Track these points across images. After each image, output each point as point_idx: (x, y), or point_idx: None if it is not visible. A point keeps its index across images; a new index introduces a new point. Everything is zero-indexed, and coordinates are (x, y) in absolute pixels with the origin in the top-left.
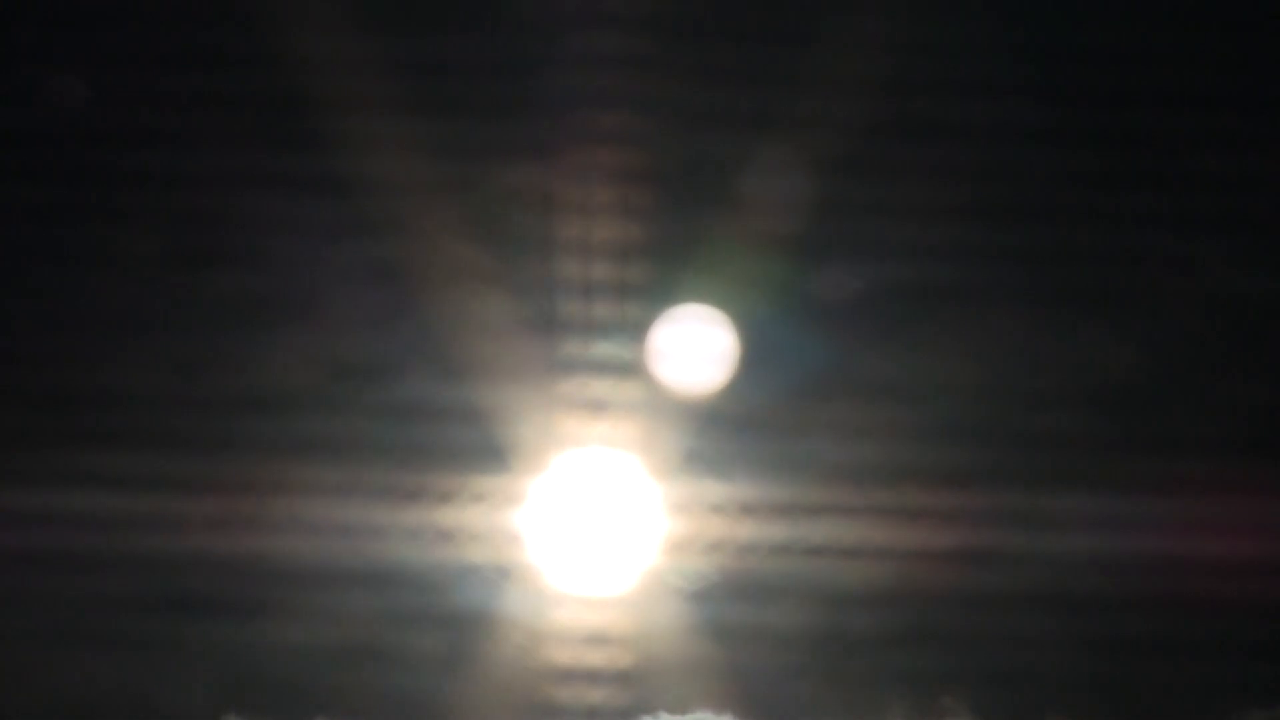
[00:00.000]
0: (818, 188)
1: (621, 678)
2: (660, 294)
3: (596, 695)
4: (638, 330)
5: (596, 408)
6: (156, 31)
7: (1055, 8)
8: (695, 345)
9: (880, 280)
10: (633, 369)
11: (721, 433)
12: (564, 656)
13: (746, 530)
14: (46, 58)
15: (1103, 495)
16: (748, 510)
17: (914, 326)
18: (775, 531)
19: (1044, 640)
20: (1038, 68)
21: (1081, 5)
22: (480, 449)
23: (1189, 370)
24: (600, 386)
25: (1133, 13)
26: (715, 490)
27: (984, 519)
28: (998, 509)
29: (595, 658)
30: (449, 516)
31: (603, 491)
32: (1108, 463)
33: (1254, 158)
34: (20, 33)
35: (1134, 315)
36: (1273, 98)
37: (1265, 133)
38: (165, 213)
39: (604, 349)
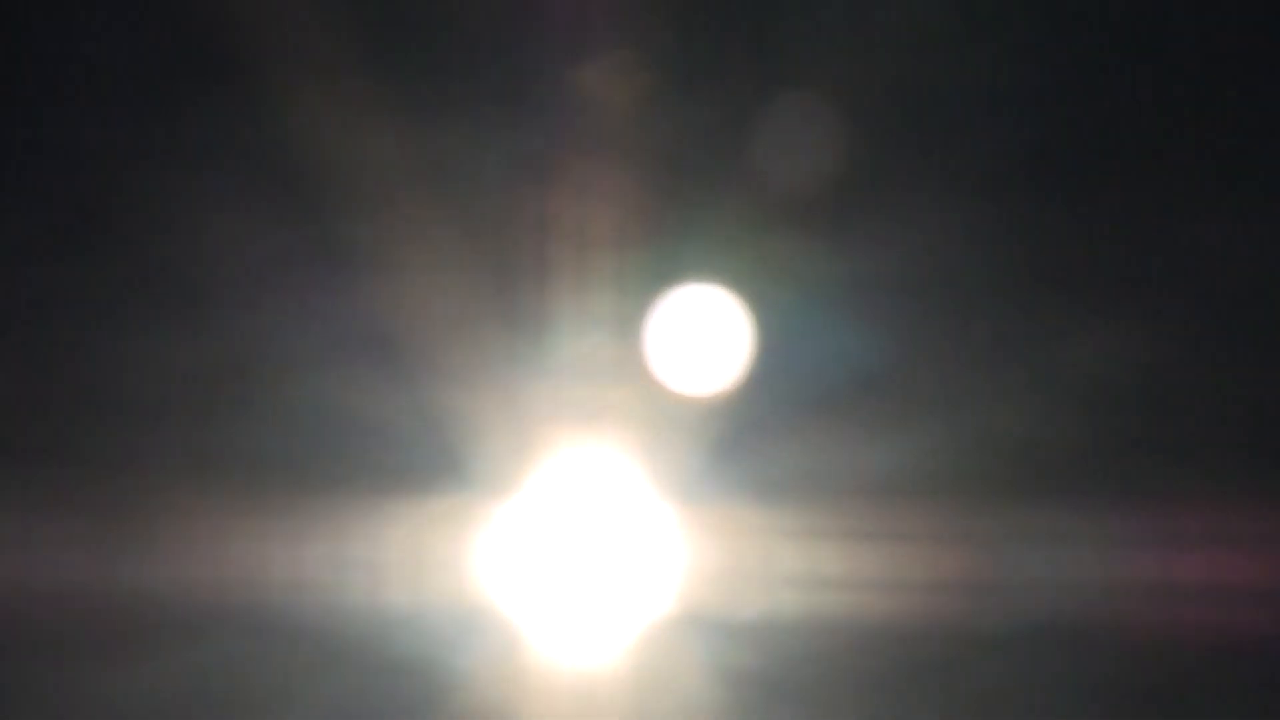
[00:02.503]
0: (847, 151)
1: None
2: (660, 278)
3: None
4: (631, 322)
5: (581, 415)
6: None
7: None
8: (701, 340)
9: (919, 263)
10: (625, 368)
11: (734, 444)
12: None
13: (757, 560)
14: None
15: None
16: (759, 537)
17: (956, 316)
18: (794, 561)
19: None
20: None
21: None
22: (437, 464)
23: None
24: (586, 389)
25: None
26: (725, 514)
27: (1024, 545)
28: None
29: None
30: (398, 547)
31: (587, 517)
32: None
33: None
34: None
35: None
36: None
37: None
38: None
39: (591, 344)
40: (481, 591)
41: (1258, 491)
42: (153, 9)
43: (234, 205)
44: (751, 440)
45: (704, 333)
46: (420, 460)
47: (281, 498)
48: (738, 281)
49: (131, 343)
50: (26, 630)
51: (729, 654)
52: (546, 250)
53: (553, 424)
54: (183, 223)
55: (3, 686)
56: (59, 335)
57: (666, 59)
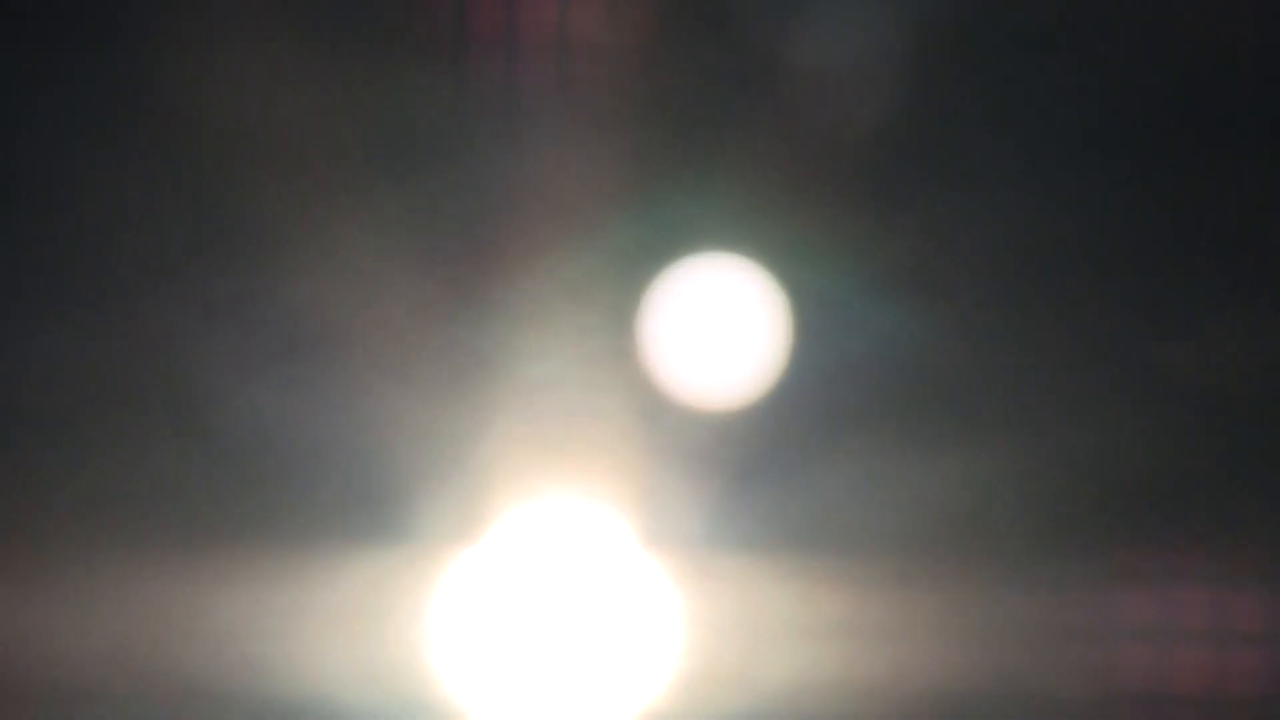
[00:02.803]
0: (906, 99)
1: None
2: (661, 255)
3: None
4: (624, 313)
5: (561, 434)
6: None
7: None
8: (716, 339)
9: (994, 244)
10: (618, 374)
11: (755, 473)
12: None
13: (783, 619)
14: None
15: None
16: (786, 589)
17: (1039, 310)
18: (831, 619)
19: None
20: None
21: None
22: (381, 500)
23: None
24: (568, 400)
25: None
26: (745, 564)
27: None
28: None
29: None
30: (337, 601)
31: (563, 573)
32: None
33: None
34: None
35: None
36: None
37: None
38: None
39: (575, 344)
40: (434, 662)
41: None
42: None
43: (134, 175)
44: (778, 468)
45: (719, 330)
46: (362, 495)
47: (192, 539)
48: (762, 265)
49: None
50: None
51: None
52: (521, 225)
53: (526, 445)
54: (70, 197)
55: None
56: None
57: None
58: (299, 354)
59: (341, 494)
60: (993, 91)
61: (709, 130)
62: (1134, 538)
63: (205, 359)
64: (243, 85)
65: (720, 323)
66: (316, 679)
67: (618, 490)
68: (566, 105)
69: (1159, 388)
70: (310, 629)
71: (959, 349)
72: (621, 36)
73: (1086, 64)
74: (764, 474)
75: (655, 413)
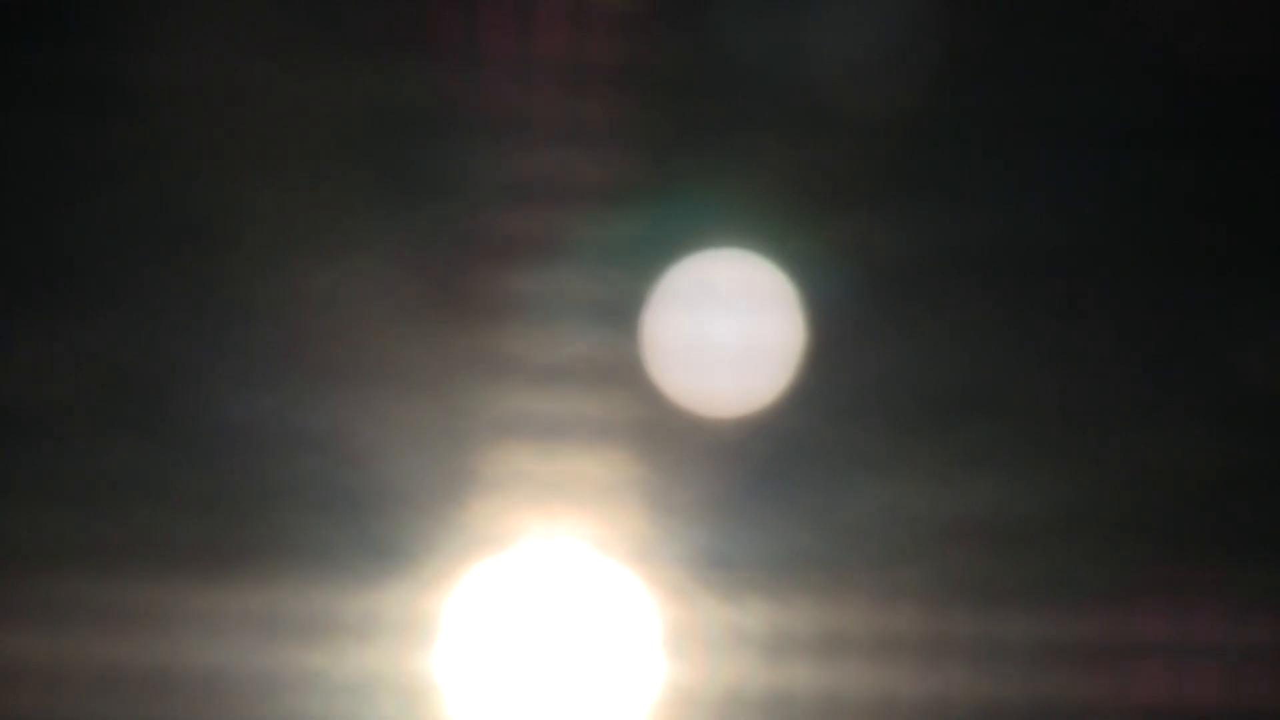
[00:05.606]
0: (943, 72)
1: None
2: (666, 253)
3: None
4: (624, 317)
5: (554, 455)
6: None
7: None
8: (725, 339)
9: (1039, 236)
10: (617, 376)
11: (769, 485)
12: None
13: (808, 643)
14: None
15: None
16: (803, 611)
17: (1088, 309)
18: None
19: None
20: None
21: None
22: (356, 533)
23: None
24: (561, 407)
25: None
26: (750, 583)
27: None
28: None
29: None
30: (306, 648)
31: (562, 609)
32: None
33: None
34: None
35: None
36: None
37: None
38: None
39: (570, 343)
40: (429, 678)
41: None
42: None
43: (98, 165)
44: (795, 479)
45: (729, 328)
46: (332, 511)
47: (181, 550)
48: (778, 258)
49: None
50: None
51: None
52: (509, 216)
53: (517, 455)
54: (30, 189)
55: None
56: None
57: None
58: (294, 356)
59: (321, 503)
60: (1032, 81)
61: (717, 126)
62: (1173, 555)
63: (198, 362)
64: (233, 83)
65: (729, 324)
66: (306, 694)
67: (618, 501)
68: (567, 100)
69: (1198, 397)
70: (304, 642)
71: (988, 354)
72: (625, 30)
73: (1122, 47)
74: (774, 486)
75: (658, 420)
